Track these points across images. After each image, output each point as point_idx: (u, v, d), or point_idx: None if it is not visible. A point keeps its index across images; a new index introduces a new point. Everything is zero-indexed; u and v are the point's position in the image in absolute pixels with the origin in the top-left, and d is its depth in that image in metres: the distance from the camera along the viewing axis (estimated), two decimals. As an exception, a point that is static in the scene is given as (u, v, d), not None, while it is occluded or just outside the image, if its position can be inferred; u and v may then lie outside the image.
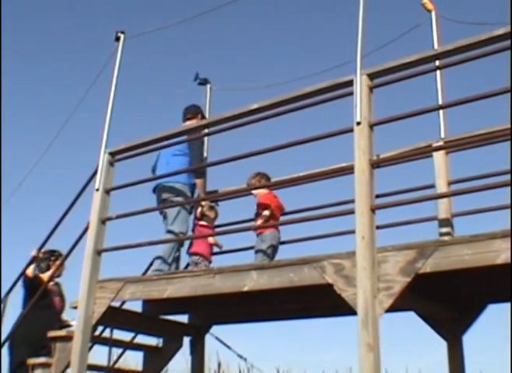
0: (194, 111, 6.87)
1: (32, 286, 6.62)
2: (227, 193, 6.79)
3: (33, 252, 6.65)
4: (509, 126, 4.13)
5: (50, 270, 6.80)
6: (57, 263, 6.82)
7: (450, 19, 6.39)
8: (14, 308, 6.81)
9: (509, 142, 4.57)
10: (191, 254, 6.36)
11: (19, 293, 6.84)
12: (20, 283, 6.79)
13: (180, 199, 6.29)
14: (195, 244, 6.39)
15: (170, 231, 6.19)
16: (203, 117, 6.84)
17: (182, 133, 5.53)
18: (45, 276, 6.74)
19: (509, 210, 5.15)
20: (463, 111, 4.74)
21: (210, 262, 6.42)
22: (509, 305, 5.11)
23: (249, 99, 6.27)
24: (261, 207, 6.04)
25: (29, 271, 6.72)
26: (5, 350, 6.64)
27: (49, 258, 6.91)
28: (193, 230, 6.55)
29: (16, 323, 6.48)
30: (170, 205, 6.26)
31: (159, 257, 6.09)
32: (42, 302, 6.50)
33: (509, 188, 3.91)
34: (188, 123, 6.63)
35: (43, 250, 6.80)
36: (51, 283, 6.88)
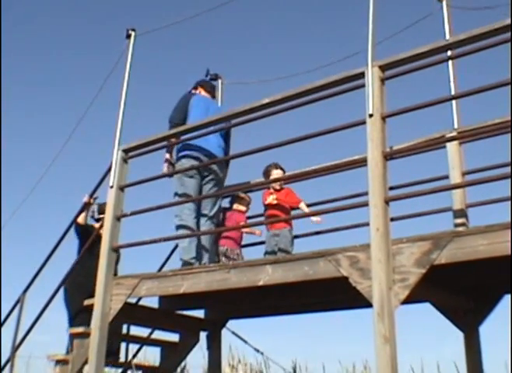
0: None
1: (85, 233, 6.59)
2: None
3: (85, 199, 6.56)
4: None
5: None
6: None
7: (461, 8, 6.35)
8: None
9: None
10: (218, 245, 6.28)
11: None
12: (73, 231, 6.73)
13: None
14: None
15: (211, 218, 6.10)
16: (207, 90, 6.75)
17: (194, 128, 5.52)
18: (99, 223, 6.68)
19: (509, 203, 5.14)
20: (476, 101, 4.72)
21: (239, 250, 6.34)
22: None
23: (260, 92, 6.27)
24: None
25: (81, 219, 6.68)
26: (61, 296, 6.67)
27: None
28: (224, 214, 6.50)
29: (70, 271, 6.40)
30: (217, 193, 6.14)
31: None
32: (95, 250, 6.41)
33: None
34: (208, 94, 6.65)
35: (94, 196, 6.73)
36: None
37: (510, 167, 3.93)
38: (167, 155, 6.18)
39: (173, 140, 5.84)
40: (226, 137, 6.36)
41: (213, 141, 6.08)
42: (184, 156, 6.02)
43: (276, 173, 6.19)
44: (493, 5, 5.52)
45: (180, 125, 5.88)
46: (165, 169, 6.16)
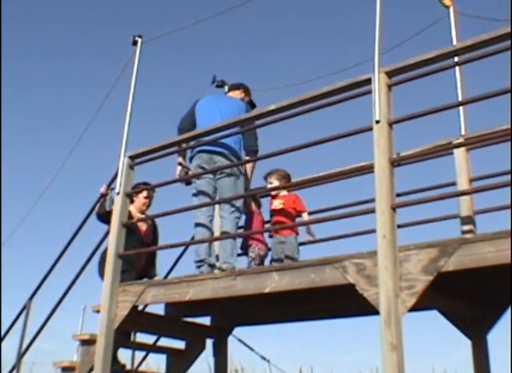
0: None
1: (110, 216, 6.54)
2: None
3: (102, 190, 6.46)
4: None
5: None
6: (141, 195, 6.70)
7: (468, 15, 6.34)
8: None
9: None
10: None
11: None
12: (97, 220, 6.64)
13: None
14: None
15: (234, 211, 5.92)
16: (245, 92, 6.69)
17: (201, 134, 5.51)
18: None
19: (509, 211, 5.11)
20: (484, 107, 4.70)
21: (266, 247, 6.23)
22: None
23: (266, 99, 6.26)
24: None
25: (98, 208, 6.57)
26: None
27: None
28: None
29: (102, 253, 6.37)
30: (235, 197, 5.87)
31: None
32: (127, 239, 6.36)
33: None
34: (231, 93, 6.62)
35: (112, 187, 6.54)
36: (142, 216, 6.71)
37: (510, 175, 3.90)
38: (180, 159, 6.14)
39: (183, 145, 5.82)
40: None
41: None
42: (191, 157, 6.00)
43: (270, 182, 6.16)
44: (500, 11, 5.50)
45: (186, 131, 5.86)
46: (177, 172, 6.11)
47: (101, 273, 6.36)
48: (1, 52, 11.74)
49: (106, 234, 6.51)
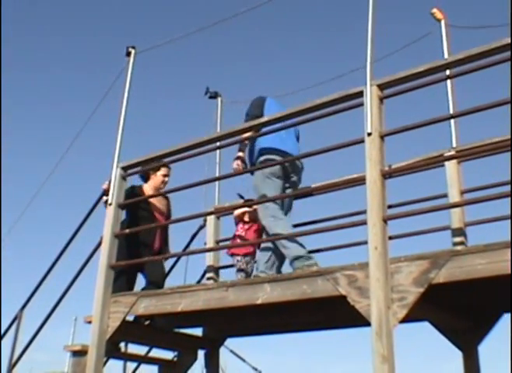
0: None
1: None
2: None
3: (105, 186, 6.20)
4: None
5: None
6: (159, 173, 6.59)
7: (459, 27, 6.39)
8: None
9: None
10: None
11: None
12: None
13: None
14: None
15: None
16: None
17: (194, 146, 5.52)
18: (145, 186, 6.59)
19: (509, 221, 5.14)
20: (475, 120, 4.73)
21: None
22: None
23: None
24: None
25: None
26: None
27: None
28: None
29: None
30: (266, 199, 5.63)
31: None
32: (140, 214, 6.34)
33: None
34: None
35: None
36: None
37: (510, 185, 3.93)
38: (240, 153, 5.86)
39: (246, 135, 5.54)
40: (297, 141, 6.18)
41: (291, 145, 5.87)
42: (267, 160, 5.73)
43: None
44: (492, 24, 5.55)
45: (255, 117, 5.62)
46: (235, 165, 5.81)
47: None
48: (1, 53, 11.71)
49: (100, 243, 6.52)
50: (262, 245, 5.76)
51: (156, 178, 6.58)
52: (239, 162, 5.80)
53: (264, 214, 5.56)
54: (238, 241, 6.12)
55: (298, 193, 6.09)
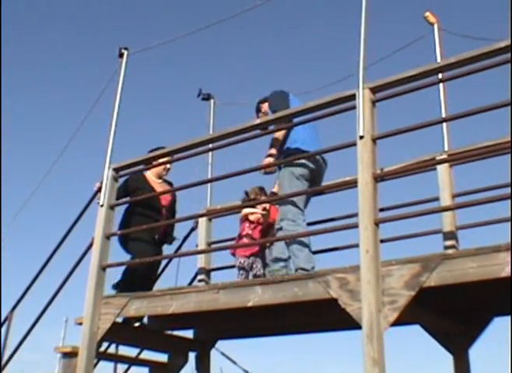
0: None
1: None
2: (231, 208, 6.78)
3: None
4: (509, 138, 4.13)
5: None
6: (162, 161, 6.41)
7: (452, 33, 6.42)
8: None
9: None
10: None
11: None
12: None
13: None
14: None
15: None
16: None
17: (185, 148, 5.52)
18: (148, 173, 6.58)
19: (509, 224, 5.15)
20: (466, 124, 4.75)
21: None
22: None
23: (252, 113, 6.25)
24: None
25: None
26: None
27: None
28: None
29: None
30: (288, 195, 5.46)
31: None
32: (145, 202, 6.28)
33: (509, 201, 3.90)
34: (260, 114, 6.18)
35: None
36: (159, 180, 6.65)
37: (510, 188, 3.93)
38: (272, 150, 5.58)
39: (281, 133, 5.47)
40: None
41: (319, 146, 5.63)
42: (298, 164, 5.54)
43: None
44: (485, 28, 5.56)
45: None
46: (265, 162, 5.53)
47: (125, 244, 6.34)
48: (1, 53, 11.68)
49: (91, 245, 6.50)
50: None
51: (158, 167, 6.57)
52: (271, 159, 5.55)
53: (285, 216, 5.43)
54: (245, 240, 6.13)
55: (289, 196, 6.07)
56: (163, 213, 6.52)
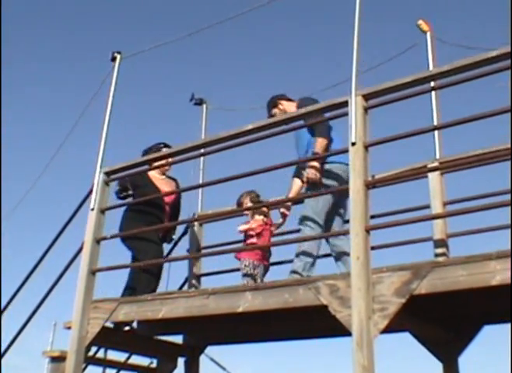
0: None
1: (126, 195, 6.42)
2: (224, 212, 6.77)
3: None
4: (509, 145, 4.14)
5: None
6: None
7: (444, 42, 6.43)
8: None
9: (508, 162, 4.59)
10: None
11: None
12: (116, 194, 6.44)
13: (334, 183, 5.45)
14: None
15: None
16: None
17: (178, 152, 5.51)
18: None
19: (509, 231, 5.15)
20: (458, 132, 4.76)
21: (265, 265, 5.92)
22: (506, 326, 5.09)
23: (245, 118, 6.27)
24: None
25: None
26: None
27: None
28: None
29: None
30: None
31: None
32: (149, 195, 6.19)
33: (509, 208, 3.91)
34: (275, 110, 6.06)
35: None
36: (162, 177, 6.63)
37: (510, 194, 3.94)
38: (315, 163, 5.34)
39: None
40: None
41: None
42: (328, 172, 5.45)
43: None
44: (477, 46, 5.57)
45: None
46: (310, 174, 5.33)
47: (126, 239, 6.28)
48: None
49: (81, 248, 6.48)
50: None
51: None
52: (316, 172, 5.34)
53: (307, 221, 5.33)
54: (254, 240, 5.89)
55: (282, 202, 6.07)
56: (166, 210, 6.49)
